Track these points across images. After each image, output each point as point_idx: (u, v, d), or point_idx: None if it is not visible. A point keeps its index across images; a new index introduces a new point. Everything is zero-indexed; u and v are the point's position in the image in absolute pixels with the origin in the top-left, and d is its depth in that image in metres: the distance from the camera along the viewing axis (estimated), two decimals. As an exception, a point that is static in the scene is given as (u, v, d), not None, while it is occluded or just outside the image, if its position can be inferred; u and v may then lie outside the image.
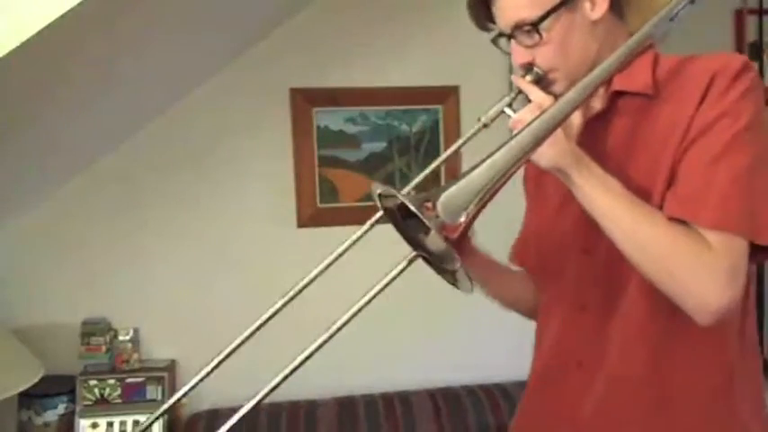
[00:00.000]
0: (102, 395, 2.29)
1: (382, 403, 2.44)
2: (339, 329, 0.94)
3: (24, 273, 2.40)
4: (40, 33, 1.29)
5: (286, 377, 0.92)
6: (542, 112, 1.03)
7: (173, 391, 2.38)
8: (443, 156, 1.17)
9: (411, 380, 2.54)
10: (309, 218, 2.53)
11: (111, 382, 2.30)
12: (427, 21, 2.57)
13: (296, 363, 0.93)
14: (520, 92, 1.12)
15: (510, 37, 1.14)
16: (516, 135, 1.01)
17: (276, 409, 2.39)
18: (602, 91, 1.14)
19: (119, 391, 2.30)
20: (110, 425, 2.27)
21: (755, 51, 2.77)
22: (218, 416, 2.35)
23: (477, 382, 2.53)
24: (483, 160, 0.98)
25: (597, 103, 1.17)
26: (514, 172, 1.00)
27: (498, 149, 0.99)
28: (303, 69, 2.51)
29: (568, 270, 1.21)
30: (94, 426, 2.27)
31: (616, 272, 1.13)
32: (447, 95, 2.61)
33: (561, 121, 1.04)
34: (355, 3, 2.54)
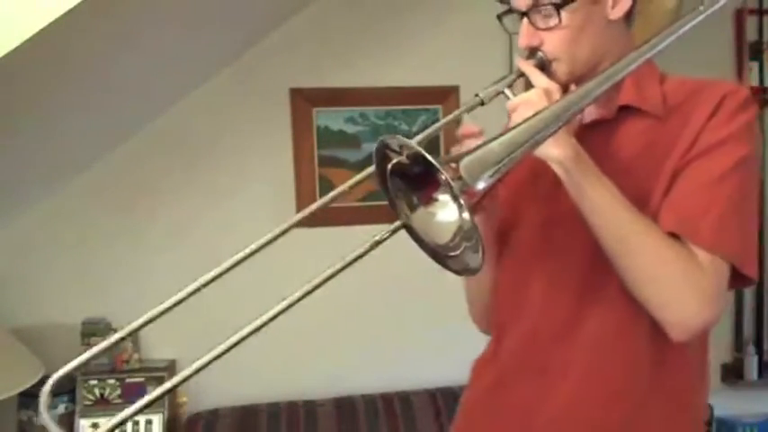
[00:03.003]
0: (102, 395, 2.29)
1: (382, 403, 2.44)
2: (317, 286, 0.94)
3: (24, 273, 2.40)
4: (40, 33, 1.29)
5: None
6: (570, 95, 1.02)
7: (173, 391, 2.38)
8: (441, 122, 1.15)
9: (411, 380, 2.54)
10: (309, 218, 2.52)
11: (111, 382, 2.30)
12: (427, 21, 2.57)
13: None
14: (521, 74, 1.11)
15: (523, 15, 1.11)
16: (540, 113, 0.99)
17: (275, 409, 2.39)
18: (603, 101, 1.13)
19: (119, 391, 2.30)
20: (110, 425, 2.27)
21: (755, 51, 2.77)
22: (218, 416, 2.35)
23: (477, 382, 2.53)
24: (501, 134, 0.97)
25: (591, 112, 1.16)
26: (529, 151, 0.98)
27: (518, 126, 0.98)
28: (303, 69, 2.51)
29: (542, 271, 1.17)
30: (94, 426, 2.27)
31: (593, 277, 1.11)
32: (447, 95, 2.60)
33: (581, 108, 1.04)
34: (355, 3, 2.54)
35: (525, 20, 1.11)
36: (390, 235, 0.97)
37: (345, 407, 2.42)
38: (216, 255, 2.74)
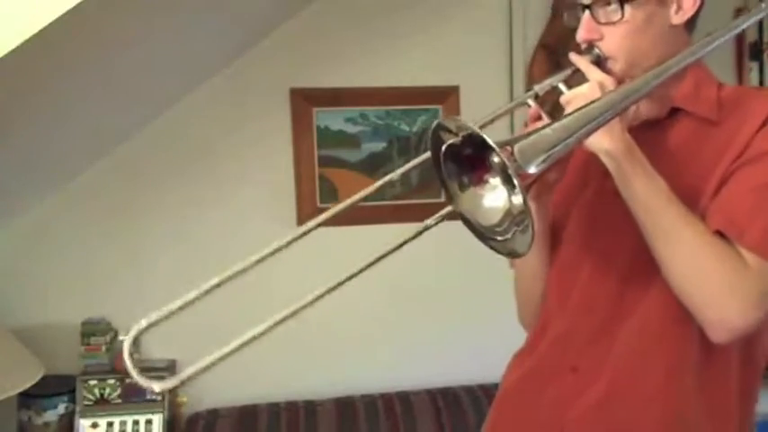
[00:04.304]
0: (102, 395, 2.29)
1: (382, 403, 2.44)
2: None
3: (24, 273, 2.39)
4: (40, 33, 1.29)
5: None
6: (625, 85, 1.03)
7: (173, 391, 2.38)
8: (490, 115, 1.11)
9: (411, 380, 2.54)
10: (309, 218, 2.51)
11: (111, 382, 2.30)
12: (427, 20, 2.57)
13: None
14: (577, 70, 1.09)
15: (585, 8, 1.11)
16: (595, 102, 1.00)
17: (276, 409, 2.39)
18: (658, 99, 1.14)
19: (119, 391, 2.30)
20: (110, 425, 2.27)
21: (755, 51, 2.77)
22: (218, 416, 2.35)
23: (477, 382, 2.53)
24: (554, 121, 0.98)
25: (645, 109, 1.16)
26: (582, 139, 0.99)
27: (572, 113, 0.99)
28: (303, 69, 2.51)
29: (584, 271, 1.18)
30: (94, 426, 2.27)
31: (634, 280, 1.11)
32: (447, 95, 2.60)
33: (636, 99, 1.04)
34: (355, 3, 2.54)
35: (587, 13, 1.10)
36: (439, 221, 0.99)
37: (345, 407, 2.42)
38: (216, 254, 2.77)
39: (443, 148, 0.96)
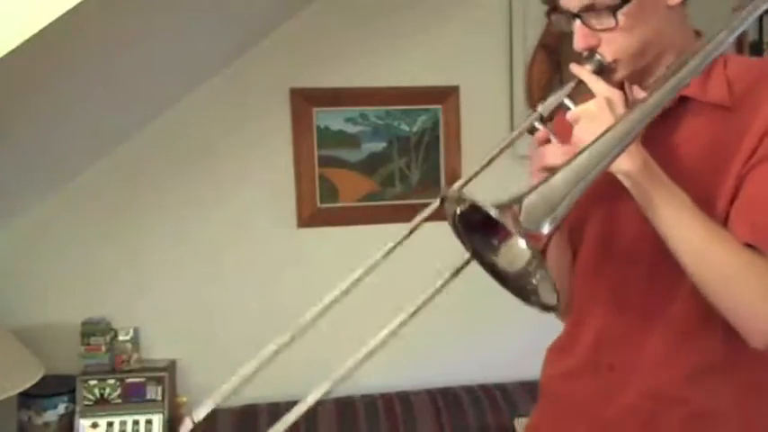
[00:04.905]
0: (102, 395, 2.29)
1: (382, 403, 2.44)
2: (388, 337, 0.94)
3: (24, 273, 2.39)
4: (40, 33, 1.29)
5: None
6: (629, 114, 0.98)
7: (173, 391, 2.38)
8: (501, 147, 1.08)
9: (411, 380, 2.54)
10: (309, 218, 2.53)
11: (111, 382, 2.30)
12: (427, 20, 2.57)
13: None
14: (580, 82, 1.05)
15: (575, 17, 1.05)
16: (600, 137, 0.95)
17: (276, 409, 2.39)
18: None
19: (119, 391, 2.30)
20: (110, 425, 2.27)
21: (755, 51, 2.77)
22: (218, 416, 2.35)
23: (477, 382, 2.53)
24: (563, 165, 0.93)
25: None
26: (596, 177, 0.94)
27: (580, 153, 0.94)
28: (303, 69, 2.51)
29: (612, 269, 1.17)
30: (94, 426, 2.27)
31: (660, 277, 1.10)
32: (447, 95, 2.60)
33: (647, 123, 0.99)
34: (355, 3, 2.54)
35: (578, 21, 1.06)
36: (464, 266, 1.01)
37: (345, 407, 2.42)
38: (216, 254, 2.75)
39: (456, 219, 0.95)
